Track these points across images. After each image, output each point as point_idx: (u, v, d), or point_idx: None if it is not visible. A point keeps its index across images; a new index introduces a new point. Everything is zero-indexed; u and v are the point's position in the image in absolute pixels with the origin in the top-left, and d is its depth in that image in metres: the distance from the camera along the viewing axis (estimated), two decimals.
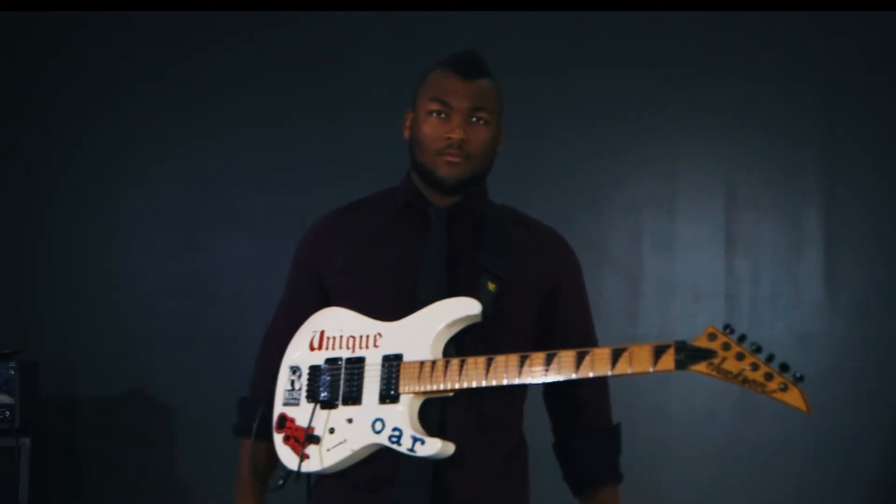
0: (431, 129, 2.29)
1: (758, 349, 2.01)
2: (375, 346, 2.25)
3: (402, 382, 2.20)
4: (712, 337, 2.04)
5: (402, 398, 2.19)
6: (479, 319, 2.22)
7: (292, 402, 2.30)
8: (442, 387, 2.18)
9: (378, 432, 2.20)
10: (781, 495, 4.42)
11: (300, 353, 2.32)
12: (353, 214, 2.43)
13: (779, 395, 1.99)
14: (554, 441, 2.45)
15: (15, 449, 3.87)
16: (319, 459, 2.24)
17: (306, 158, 4.53)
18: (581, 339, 2.33)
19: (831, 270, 4.48)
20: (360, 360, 2.25)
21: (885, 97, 4.47)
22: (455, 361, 2.18)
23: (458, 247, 2.32)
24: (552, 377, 2.13)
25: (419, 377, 2.19)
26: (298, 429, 2.26)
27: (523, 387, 2.26)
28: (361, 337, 2.27)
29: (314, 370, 2.29)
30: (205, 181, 4.56)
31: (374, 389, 2.22)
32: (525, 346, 2.24)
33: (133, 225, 4.55)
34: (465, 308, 2.22)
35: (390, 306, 2.27)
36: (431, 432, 2.18)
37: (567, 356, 2.12)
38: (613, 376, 2.12)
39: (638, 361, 2.08)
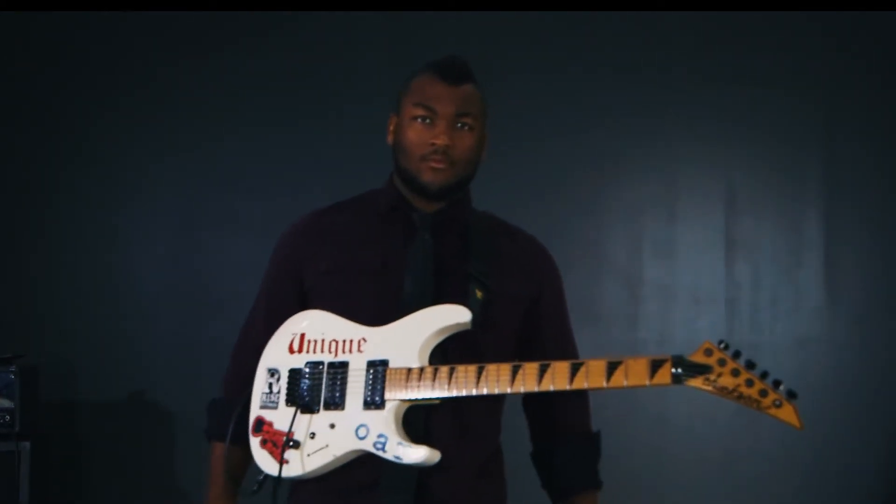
0: (416, 134, 2.27)
1: (752, 366, 2.03)
2: (360, 350, 2.22)
3: (388, 389, 2.17)
4: (709, 352, 2.05)
5: (388, 404, 2.17)
6: (468, 328, 2.20)
7: (270, 405, 2.26)
8: (430, 394, 2.16)
9: (362, 438, 2.17)
10: (782, 500, 4.41)
11: (279, 356, 2.29)
12: (335, 216, 2.41)
13: (773, 412, 2.02)
14: (532, 449, 2.43)
15: (15, 453, 3.87)
16: (301, 464, 2.20)
17: (307, 160, 4.51)
18: (561, 347, 2.33)
19: (831, 275, 4.46)
20: (344, 365, 2.22)
21: (885, 102, 4.46)
22: (444, 369, 2.15)
23: (444, 254, 2.29)
24: (544, 388, 2.10)
25: (406, 384, 2.17)
26: (276, 433, 2.23)
27: (503, 396, 2.23)
28: (345, 341, 2.24)
29: (294, 373, 2.26)
30: (205, 183, 4.54)
31: (357, 395, 2.19)
32: (508, 353, 2.23)
33: (133, 227, 4.53)
34: (454, 316, 2.20)
35: (373, 311, 2.24)
36: (416, 439, 2.16)
37: (561, 368, 2.10)
38: (608, 389, 2.10)
39: (634, 375, 2.07)
